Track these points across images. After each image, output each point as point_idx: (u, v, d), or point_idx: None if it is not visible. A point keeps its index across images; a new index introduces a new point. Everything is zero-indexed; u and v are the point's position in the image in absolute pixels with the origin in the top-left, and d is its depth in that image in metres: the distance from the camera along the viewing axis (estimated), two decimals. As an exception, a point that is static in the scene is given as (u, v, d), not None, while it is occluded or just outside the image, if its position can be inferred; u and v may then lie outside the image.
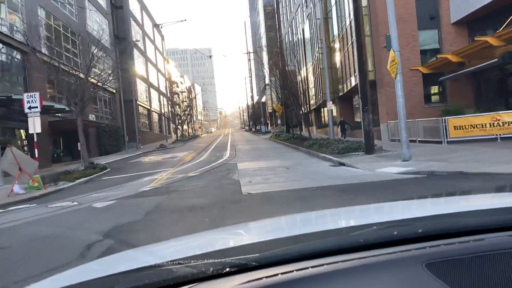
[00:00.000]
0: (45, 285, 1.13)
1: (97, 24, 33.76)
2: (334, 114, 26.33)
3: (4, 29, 20.57)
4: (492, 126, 14.01)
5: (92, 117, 30.39)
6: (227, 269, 0.86)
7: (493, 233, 0.94)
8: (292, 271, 0.83)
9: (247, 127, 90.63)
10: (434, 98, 20.62)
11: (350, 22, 22.03)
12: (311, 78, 36.59)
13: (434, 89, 20.62)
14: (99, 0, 36.25)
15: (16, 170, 11.99)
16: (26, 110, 13.47)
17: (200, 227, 5.55)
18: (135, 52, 45.46)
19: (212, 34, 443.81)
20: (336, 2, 26.32)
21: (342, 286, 0.80)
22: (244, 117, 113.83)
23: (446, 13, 19.49)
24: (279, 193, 8.04)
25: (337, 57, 27.76)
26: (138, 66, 45.86)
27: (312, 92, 36.34)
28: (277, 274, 0.83)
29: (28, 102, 13.43)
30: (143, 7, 54.25)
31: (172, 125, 59.68)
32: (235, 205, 7.25)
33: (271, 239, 1.17)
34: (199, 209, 7.06)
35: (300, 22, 40.08)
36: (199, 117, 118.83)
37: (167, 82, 63.88)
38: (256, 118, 71.33)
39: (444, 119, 14.92)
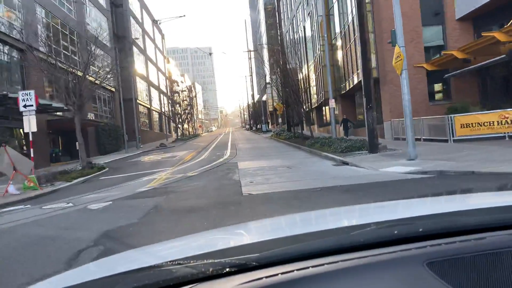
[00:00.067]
0: (45, 286, 1.12)
1: (96, 22, 33.46)
2: (336, 112, 25.98)
3: (1, 27, 20.29)
4: (500, 124, 13.66)
5: (91, 116, 30.09)
6: (227, 269, 0.85)
7: (494, 231, 0.93)
8: (292, 271, 0.82)
9: (247, 126, 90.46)
10: (439, 96, 20.25)
11: (353, 18, 21.69)
12: (312, 76, 36.32)
13: (439, 86, 20.24)
14: (99, -2, 35.98)
15: (11, 170, 11.73)
16: (21, 109, 13.14)
17: (199, 231, 5.21)
18: (135, 50, 45.17)
19: (213, 33, 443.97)
20: (338, -2, 25.99)
21: (343, 286, 0.79)
22: (245, 116, 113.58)
23: (451, 9, 19.11)
24: (281, 194, 7.72)
25: (339, 55, 27.44)
26: (138, 64, 45.56)
27: (313, 90, 36.07)
28: (277, 274, 0.81)
29: (23, 100, 13.08)
30: (143, 6, 53.96)
31: (172, 124, 59.36)
32: (235, 206, 6.95)
33: (271, 239, 1.15)
34: (198, 211, 6.76)
35: (301, 19, 39.75)
36: (199, 116, 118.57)
37: (167, 81, 63.58)
38: (256, 117, 71.11)
39: (450, 117, 14.58)
